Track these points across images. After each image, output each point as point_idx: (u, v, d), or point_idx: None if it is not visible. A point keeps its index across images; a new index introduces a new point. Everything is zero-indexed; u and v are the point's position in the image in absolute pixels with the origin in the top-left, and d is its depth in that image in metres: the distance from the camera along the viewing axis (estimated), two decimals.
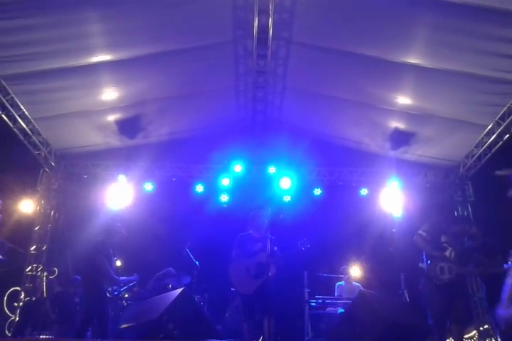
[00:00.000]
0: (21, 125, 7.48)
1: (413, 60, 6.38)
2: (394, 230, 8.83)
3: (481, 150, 7.99)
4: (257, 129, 9.03)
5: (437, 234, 5.18)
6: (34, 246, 8.58)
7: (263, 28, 6.54)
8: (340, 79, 7.43)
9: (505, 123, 7.16)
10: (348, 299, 6.60)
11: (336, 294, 7.69)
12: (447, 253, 5.05)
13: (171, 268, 6.72)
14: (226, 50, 7.23)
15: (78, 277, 8.10)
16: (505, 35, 5.52)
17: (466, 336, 6.76)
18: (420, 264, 5.22)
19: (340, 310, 6.72)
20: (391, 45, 6.32)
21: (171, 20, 6.11)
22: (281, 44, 7.12)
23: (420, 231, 5.27)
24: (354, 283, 7.92)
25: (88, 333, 6.86)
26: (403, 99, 7.39)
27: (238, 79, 8.15)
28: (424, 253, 5.22)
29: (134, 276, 6.75)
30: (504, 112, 7.04)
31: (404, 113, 7.71)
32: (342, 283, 7.92)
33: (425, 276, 5.10)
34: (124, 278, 6.35)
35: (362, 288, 7.55)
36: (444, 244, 5.10)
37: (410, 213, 8.66)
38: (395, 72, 6.77)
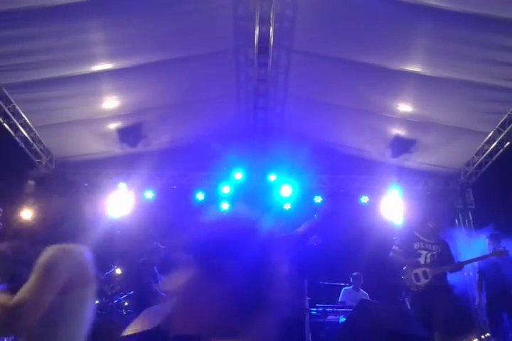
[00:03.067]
0: (23, 133, 7.50)
1: (413, 68, 6.40)
2: (395, 238, 8.79)
3: (482, 157, 7.99)
4: (257, 137, 9.04)
5: (410, 244, 5.12)
6: None
7: (264, 37, 6.58)
8: (341, 87, 7.45)
9: (505, 131, 7.18)
10: (350, 307, 6.56)
11: (339, 299, 7.63)
12: (421, 259, 4.96)
13: (163, 276, 6.71)
14: (227, 58, 7.27)
15: None
16: (505, 43, 5.55)
17: None
18: (402, 276, 5.15)
19: (342, 318, 6.67)
20: (392, 54, 6.34)
21: (172, 28, 6.15)
22: (282, 52, 7.16)
23: (393, 247, 5.23)
24: (362, 291, 7.85)
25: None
26: (404, 107, 7.41)
27: (239, 87, 8.19)
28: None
29: None
30: (505, 120, 7.05)
31: (405, 120, 7.73)
32: (350, 288, 7.83)
33: (404, 287, 5.05)
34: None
35: (368, 298, 7.48)
36: (418, 251, 5.04)
37: (411, 221, 8.64)
38: (395, 80, 6.80)
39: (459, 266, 5.03)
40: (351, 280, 7.99)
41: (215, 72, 7.42)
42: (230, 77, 7.83)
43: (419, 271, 4.92)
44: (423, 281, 4.86)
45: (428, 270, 4.88)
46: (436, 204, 9.06)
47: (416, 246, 5.07)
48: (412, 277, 4.92)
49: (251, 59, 7.25)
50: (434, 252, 4.98)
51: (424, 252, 5.00)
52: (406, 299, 6.78)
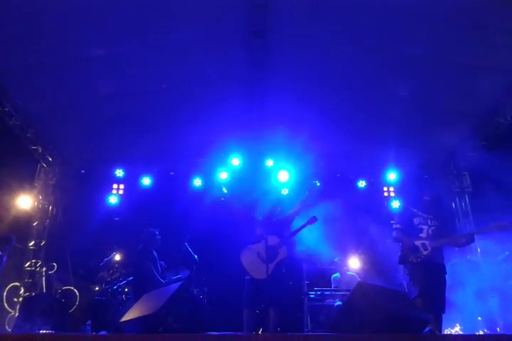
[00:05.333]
0: (17, 120, 7.45)
1: (412, 51, 6.36)
2: (392, 221, 8.82)
3: (479, 141, 8.00)
4: (254, 122, 8.99)
5: (409, 220, 5.18)
6: (33, 242, 8.58)
7: (260, 20, 6.49)
8: (338, 70, 7.40)
9: (502, 114, 7.17)
10: (347, 290, 6.61)
11: (332, 287, 7.71)
12: (423, 234, 5.04)
13: (161, 262, 6.76)
14: (223, 43, 7.18)
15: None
16: (502, 26, 5.52)
17: None
18: (403, 248, 5.20)
19: (339, 302, 6.74)
20: (390, 36, 6.29)
21: (165, 13, 6.08)
22: (279, 36, 7.07)
23: (395, 225, 5.28)
24: (349, 273, 7.93)
25: (88, 327, 6.89)
26: (401, 89, 7.37)
27: (235, 71, 8.10)
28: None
29: (183, 273, 6.79)
30: (502, 103, 7.05)
31: (403, 103, 7.70)
32: (337, 275, 7.92)
33: (403, 260, 5.10)
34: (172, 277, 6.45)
35: (358, 278, 7.57)
36: (419, 226, 5.11)
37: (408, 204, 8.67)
38: (394, 63, 6.76)
39: (459, 238, 5.06)
40: (336, 266, 8.08)
41: (211, 57, 7.34)
42: (226, 62, 7.74)
43: (419, 243, 5.01)
44: (422, 252, 4.93)
45: (427, 242, 4.96)
46: (433, 187, 9.08)
47: (416, 221, 5.16)
48: (412, 248, 4.99)
49: (247, 43, 7.17)
50: (433, 227, 5.05)
51: (425, 227, 5.09)
52: (404, 282, 6.86)
